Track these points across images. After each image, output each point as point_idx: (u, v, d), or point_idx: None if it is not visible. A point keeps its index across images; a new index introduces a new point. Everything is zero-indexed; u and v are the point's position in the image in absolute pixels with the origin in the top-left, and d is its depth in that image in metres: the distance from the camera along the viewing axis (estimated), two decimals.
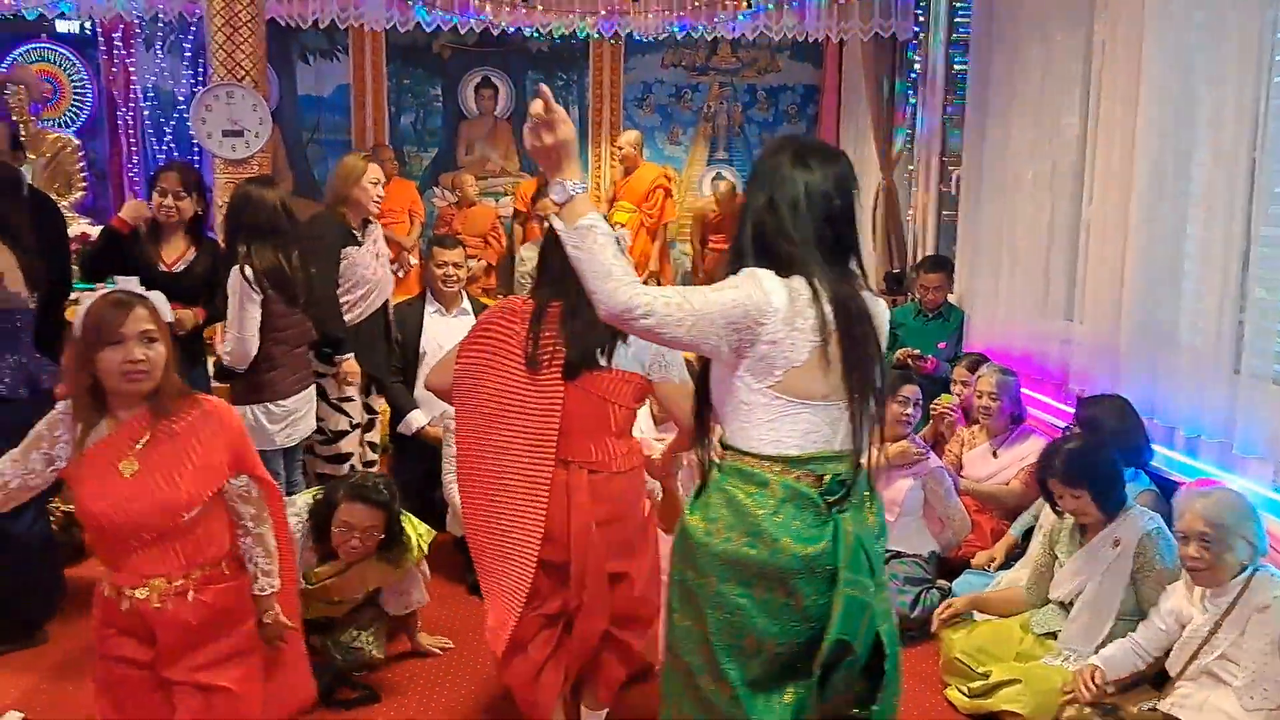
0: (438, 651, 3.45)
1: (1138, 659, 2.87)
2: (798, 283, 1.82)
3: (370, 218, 4.09)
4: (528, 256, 5.22)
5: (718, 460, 1.93)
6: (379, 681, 3.29)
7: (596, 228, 1.76)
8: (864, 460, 1.91)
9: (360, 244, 3.99)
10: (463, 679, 3.35)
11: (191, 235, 3.86)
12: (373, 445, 4.32)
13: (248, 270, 3.44)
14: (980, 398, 4.24)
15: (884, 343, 1.96)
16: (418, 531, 3.29)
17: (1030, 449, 4.04)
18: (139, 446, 2.15)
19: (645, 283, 5.42)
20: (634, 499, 2.72)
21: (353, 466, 4.09)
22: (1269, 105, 3.20)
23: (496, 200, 8.25)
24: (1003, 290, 5.02)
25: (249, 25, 4.84)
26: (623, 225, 7.53)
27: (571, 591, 2.63)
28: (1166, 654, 2.84)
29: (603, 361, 2.57)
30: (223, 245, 3.74)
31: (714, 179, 8.43)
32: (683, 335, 1.78)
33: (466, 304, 4.57)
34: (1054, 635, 3.18)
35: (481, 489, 2.63)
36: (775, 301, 1.79)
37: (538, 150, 1.83)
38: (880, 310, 1.96)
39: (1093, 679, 2.82)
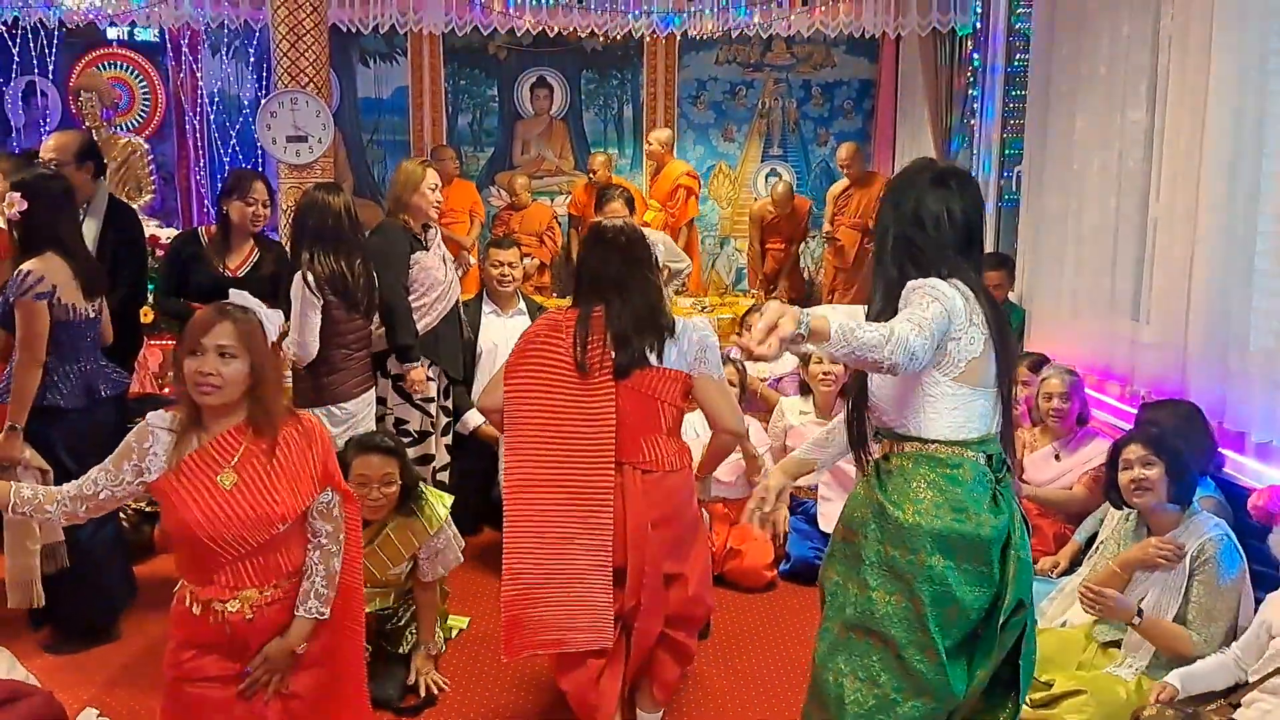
0: (434, 690, 3.22)
1: (1239, 672, 2.75)
2: (961, 286, 2.06)
3: (430, 222, 4.15)
4: None
5: (891, 453, 2.16)
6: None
7: (840, 325, 1.80)
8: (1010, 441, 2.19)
9: (426, 249, 4.04)
10: (512, 681, 3.39)
11: (256, 239, 3.96)
12: (449, 448, 4.34)
13: (309, 276, 3.52)
14: (1048, 400, 4.16)
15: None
16: (438, 497, 3.26)
17: (1095, 452, 3.96)
18: (236, 459, 2.16)
19: (667, 283, 5.36)
20: (686, 498, 2.75)
21: (434, 469, 4.16)
22: None
23: (552, 199, 8.31)
24: (1066, 288, 4.93)
25: (312, 33, 4.93)
26: (647, 224, 7.54)
27: (628, 594, 2.66)
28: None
29: (653, 360, 2.65)
30: (288, 249, 3.82)
31: (768, 176, 8.39)
32: (926, 359, 1.96)
33: (522, 304, 4.62)
34: (1117, 644, 3.13)
35: (539, 506, 2.64)
36: (957, 304, 2.01)
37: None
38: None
39: (1163, 698, 2.73)
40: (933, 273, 2.06)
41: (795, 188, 7.79)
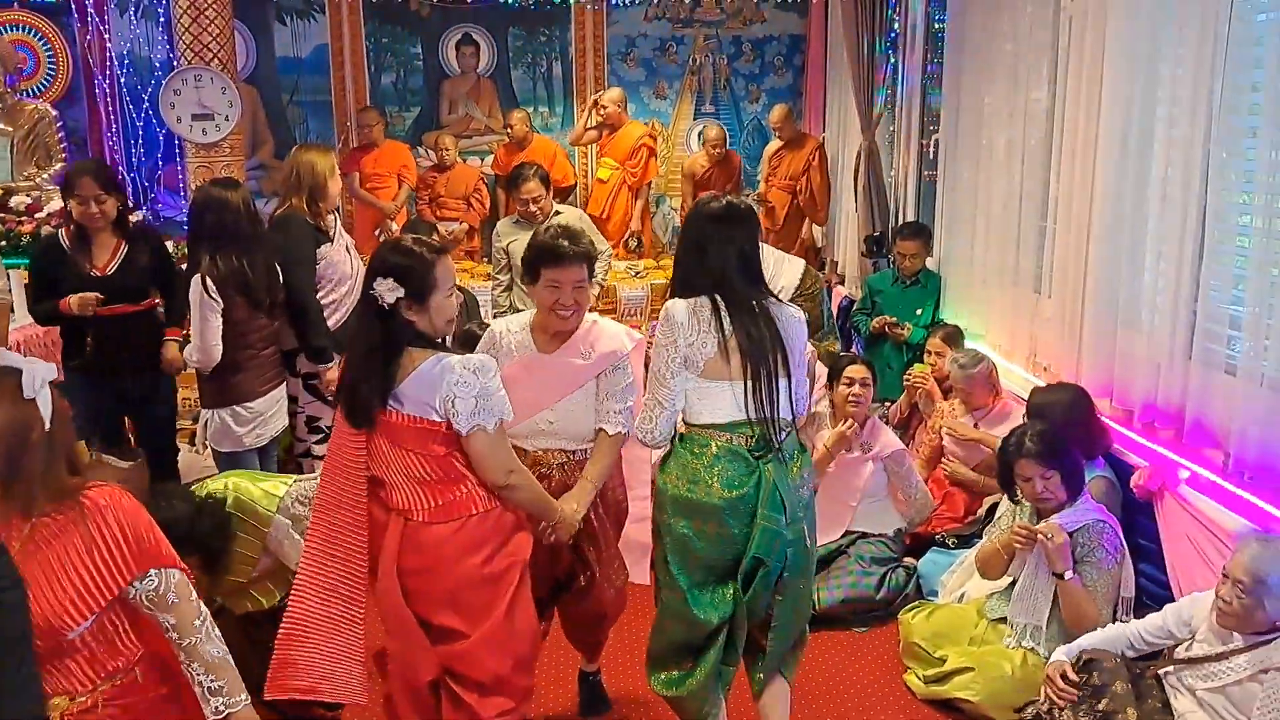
0: None
1: (1129, 648, 2.84)
2: (701, 300, 2.56)
3: (334, 208, 4.07)
4: (504, 232, 5.21)
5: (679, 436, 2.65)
6: None
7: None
8: (788, 426, 2.61)
9: (331, 240, 3.97)
10: None
11: (120, 231, 3.80)
12: None
13: (207, 280, 3.47)
14: (951, 364, 4.33)
15: (796, 336, 2.62)
16: (265, 493, 2.94)
17: (1011, 423, 4.09)
18: (15, 550, 1.79)
19: (627, 242, 5.44)
20: (461, 550, 2.45)
21: None
22: (1224, 87, 3.18)
23: (482, 159, 8.20)
24: (977, 259, 5.04)
25: (214, 6, 4.79)
26: (603, 182, 7.52)
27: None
28: (1151, 655, 2.84)
29: (378, 404, 2.40)
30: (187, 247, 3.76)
31: (700, 134, 8.37)
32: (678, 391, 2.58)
33: None
34: (1006, 621, 3.28)
35: (312, 553, 2.50)
36: (681, 319, 2.55)
37: None
38: (792, 313, 2.66)
39: (1063, 677, 2.77)
40: (693, 291, 2.58)
41: (727, 144, 7.77)
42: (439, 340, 2.46)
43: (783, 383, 2.56)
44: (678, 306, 2.56)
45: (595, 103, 7.55)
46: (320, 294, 3.89)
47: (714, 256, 2.57)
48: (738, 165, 7.65)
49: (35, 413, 1.83)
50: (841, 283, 7.04)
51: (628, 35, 8.28)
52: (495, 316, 5.17)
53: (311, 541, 2.50)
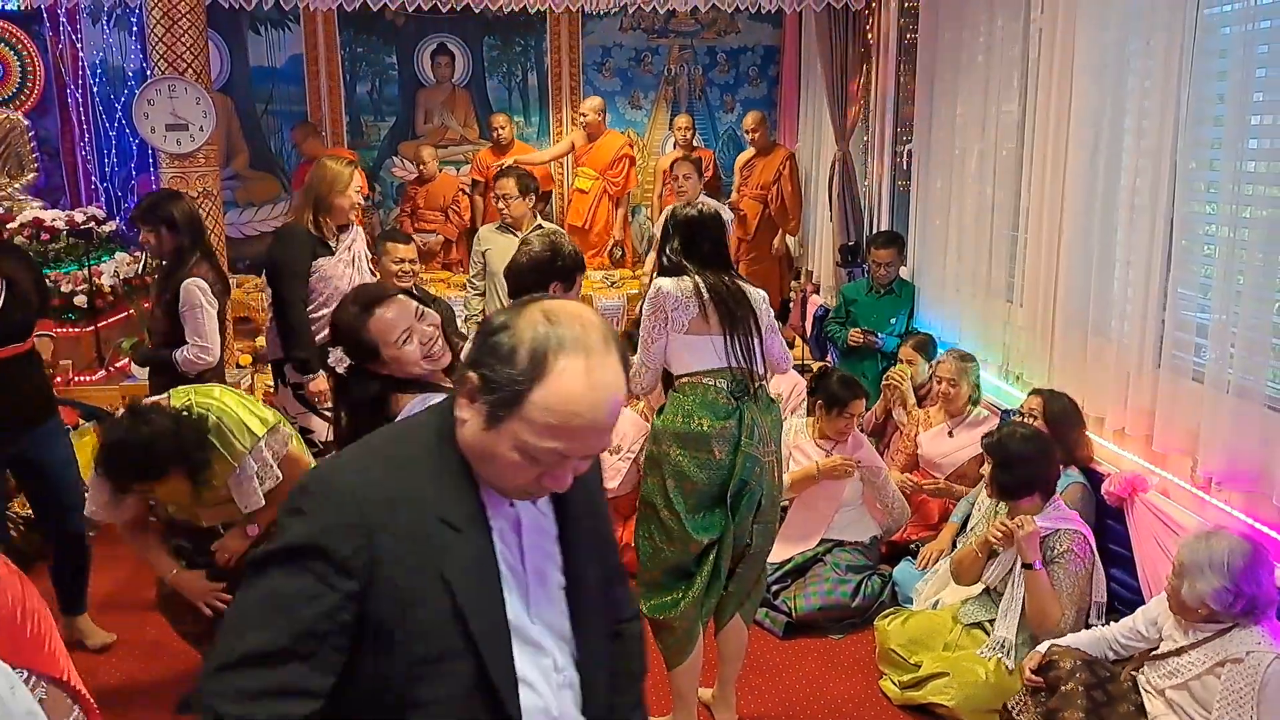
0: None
1: (1109, 651, 2.90)
2: (684, 277, 3.03)
3: (349, 222, 4.00)
4: (484, 238, 5.21)
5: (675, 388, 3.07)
6: None
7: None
8: (760, 377, 3.08)
9: (333, 253, 3.90)
10: None
11: None
12: None
13: (202, 283, 3.55)
14: (939, 383, 4.32)
15: (761, 307, 3.09)
16: (245, 429, 2.88)
17: (987, 430, 4.13)
18: None
19: (611, 252, 5.56)
20: None
21: None
22: (1190, 98, 3.25)
23: (457, 169, 8.21)
24: (950, 268, 5.09)
25: (188, 16, 4.76)
26: (583, 192, 7.54)
27: None
28: (1125, 659, 2.89)
29: None
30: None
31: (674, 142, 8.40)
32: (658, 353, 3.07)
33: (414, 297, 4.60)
34: (981, 626, 3.31)
35: None
36: (667, 288, 3.01)
37: None
38: (757, 291, 3.12)
39: (1032, 665, 2.87)
40: (676, 273, 3.06)
41: (694, 129, 7.78)
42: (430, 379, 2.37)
43: (755, 341, 3.01)
44: (666, 282, 3.02)
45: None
46: (310, 307, 3.85)
47: (692, 246, 3.05)
48: (709, 161, 7.67)
49: None
50: (817, 292, 7.09)
51: (603, 45, 8.32)
52: (467, 322, 5.17)
53: None
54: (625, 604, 1.58)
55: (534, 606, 1.36)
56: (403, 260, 4.39)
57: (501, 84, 8.30)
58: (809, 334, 6.67)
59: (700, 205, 3.26)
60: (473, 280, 5.24)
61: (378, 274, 4.23)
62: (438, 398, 2.24)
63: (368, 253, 4.19)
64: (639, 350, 3.06)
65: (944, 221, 5.15)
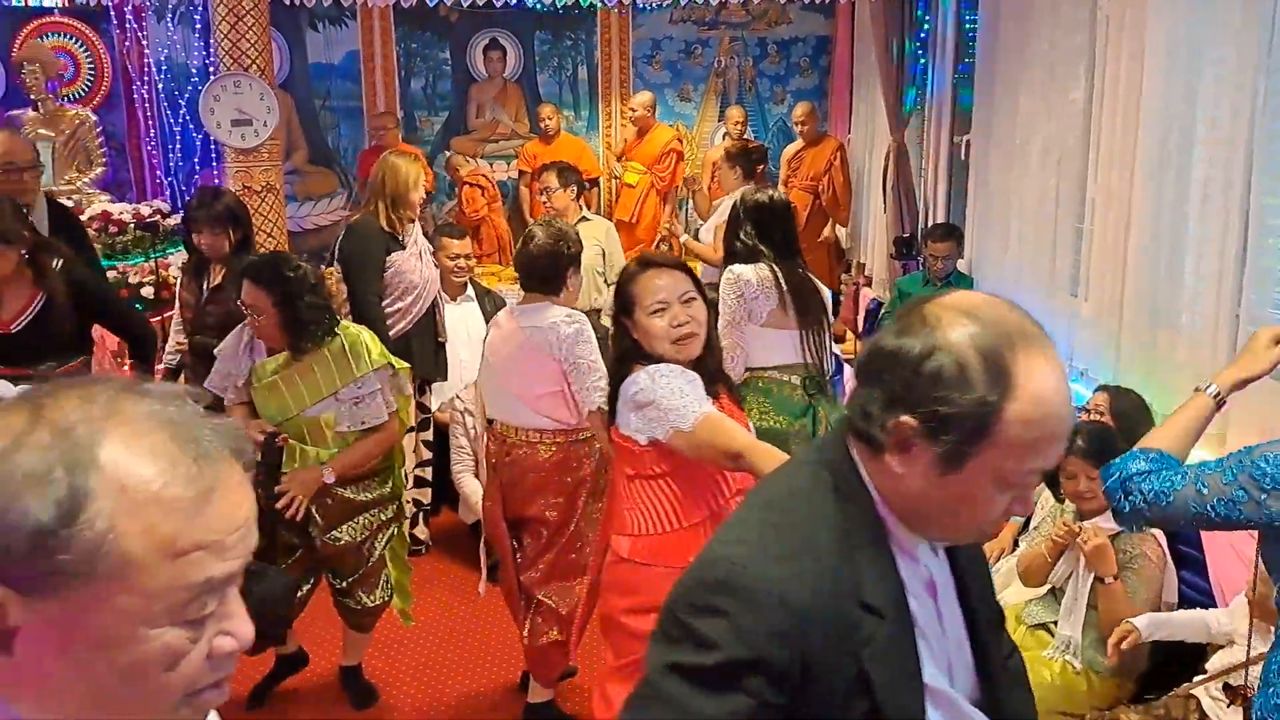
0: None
1: (1207, 634, 2.83)
2: (761, 265, 3.12)
3: (415, 217, 4.07)
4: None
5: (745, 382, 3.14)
6: (394, 669, 3.45)
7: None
8: (827, 371, 3.18)
9: (404, 247, 3.96)
10: (470, 669, 3.51)
11: (36, 278, 3.25)
12: (428, 444, 4.33)
13: None
14: None
15: (827, 304, 3.26)
16: (379, 352, 3.03)
17: None
18: None
19: (657, 247, 5.66)
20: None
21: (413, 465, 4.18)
22: (1269, 86, 3.18)
23: (507, 163, 8.27)
24: (1010, 261, 5.02)
25: (252, 13, 4.85)
26: (631, 186, 7.55)
27: None
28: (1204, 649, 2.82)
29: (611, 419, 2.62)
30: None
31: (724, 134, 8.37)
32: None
33: (470, 290, 4.67)
34: (1045, 627, 3.27)
35: None
36: (746, 275, 3.07)
37: None
38: (821, 286, 3.30)
39: (1126, 645, 2.77)
40: (746, 260, 3.15)
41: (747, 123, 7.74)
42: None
43: (827, 336, 3.08)
44: (744, 269, 3.04)
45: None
46: (385, 302, 3.91)
47: (766, 232, 3.09)
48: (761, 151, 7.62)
49: None
50: (869, 285, 7.04)
51: (653, 38, 8.32)
52: None
53: None
54: (1007, 640, 1.39)
55: (956, 672, 1.17)
56: (458, 255, 4.45)
57: (552, 78, 8.33)
58: (861, 328, 6.63)
59: (770, 191, 3.31)
60: None
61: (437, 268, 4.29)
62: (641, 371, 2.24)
63: (428, 245, 4.25)
64: (726, 334, 3.01)
65: (1004, 213, 5.08)
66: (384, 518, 3.13)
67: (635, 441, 2.24)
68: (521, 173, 7.79)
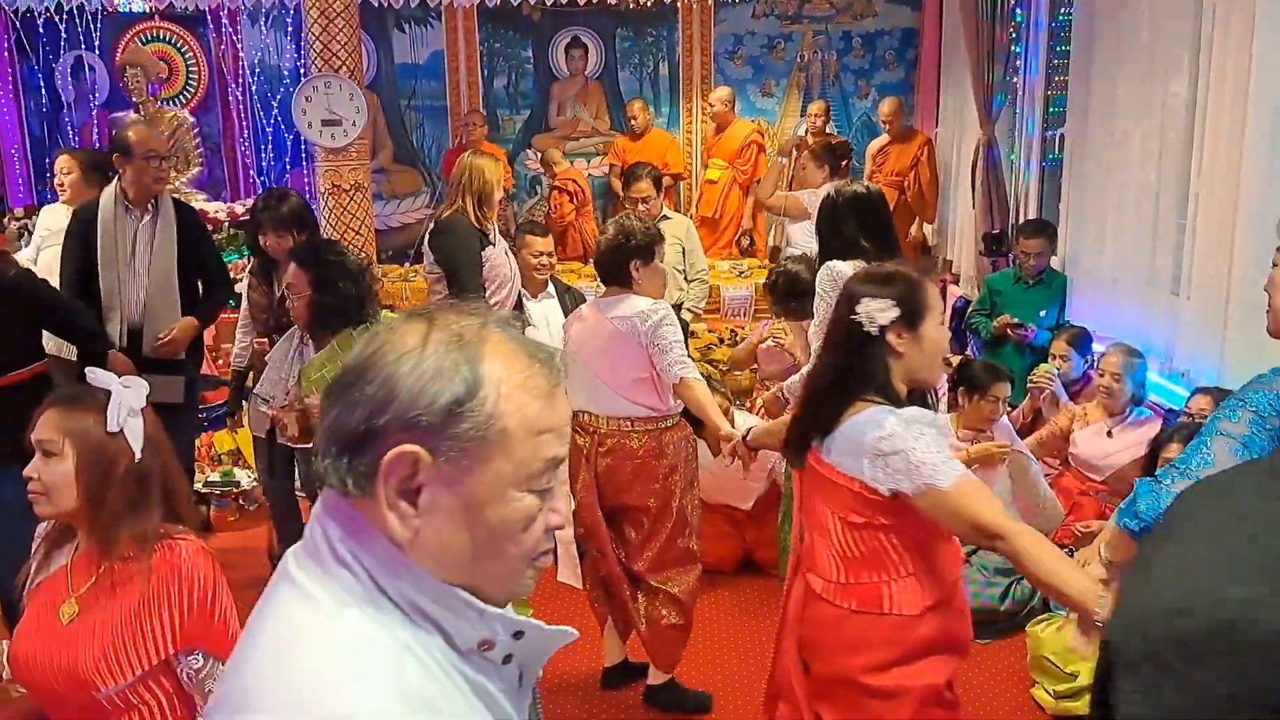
0: None
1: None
2: (860, 262, 2.89)
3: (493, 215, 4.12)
4: (608, 227, 5.24)
5: None
6: None
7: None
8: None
9: (493, 244, 4.02)
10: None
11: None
12: None
13: None
14: (1102, 376, 4.11)
15: None
16: None
17: (1149, 433, 3.91)
18: (85, 588, 1.69)
19: (739, 241, 5.59)
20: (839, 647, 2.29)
21: None
22: None
23: (588, 161, 8.30)
24: (1107, 258, 4.85)
25: (343, 15, 4.95)
26: (713, 182, 7.51)
27: None
28: None
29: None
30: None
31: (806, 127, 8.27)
32: None
33: (551, 288, 4.69)
34: None
35: None
36: (847, 273, 2.79)
37: None
38: None
39: None
40: (844, 256, 3.02)
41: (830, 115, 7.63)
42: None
43: None
44: (844, 266, 2.89)
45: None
46: (485, 294, 3.96)
47: (867, 227, 2.99)
48: (844, 146, 7.51)
49: (120, 444, 1.68)
50: (955, 282, 6.87)
51: (735, 33, 8.25)
52: None
53: None
54: None
55: None
56: (541, 253, 4.48)
57: (633, 75, 8.33)
58: (948, 325, 6.48)
59: (865, 184, 3.22)
60: None
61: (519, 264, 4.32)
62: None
63: (505, 244, 4.31)
64: (820, 332, 2.84)
65: (1100, 208, 4.91)
66: None
67: (874, 490, 1.98)
68: (611, 166, 7.82)
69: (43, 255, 4.34)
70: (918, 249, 7.30)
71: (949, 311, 6.47)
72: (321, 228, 5.49)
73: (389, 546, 0.89)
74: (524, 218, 7.99)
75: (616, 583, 3.14)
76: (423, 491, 0.89)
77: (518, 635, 0.93)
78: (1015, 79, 6.05)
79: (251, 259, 4.05)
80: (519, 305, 4.21)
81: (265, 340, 3.85)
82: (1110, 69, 4.78)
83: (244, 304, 3.98)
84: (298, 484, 3.84)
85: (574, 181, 7.60)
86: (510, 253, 4.17)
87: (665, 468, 3.07)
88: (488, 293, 3.98)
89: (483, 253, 3.96)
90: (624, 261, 3.05)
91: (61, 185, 4.58)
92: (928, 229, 7.40)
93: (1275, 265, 2.03)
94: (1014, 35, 5.98)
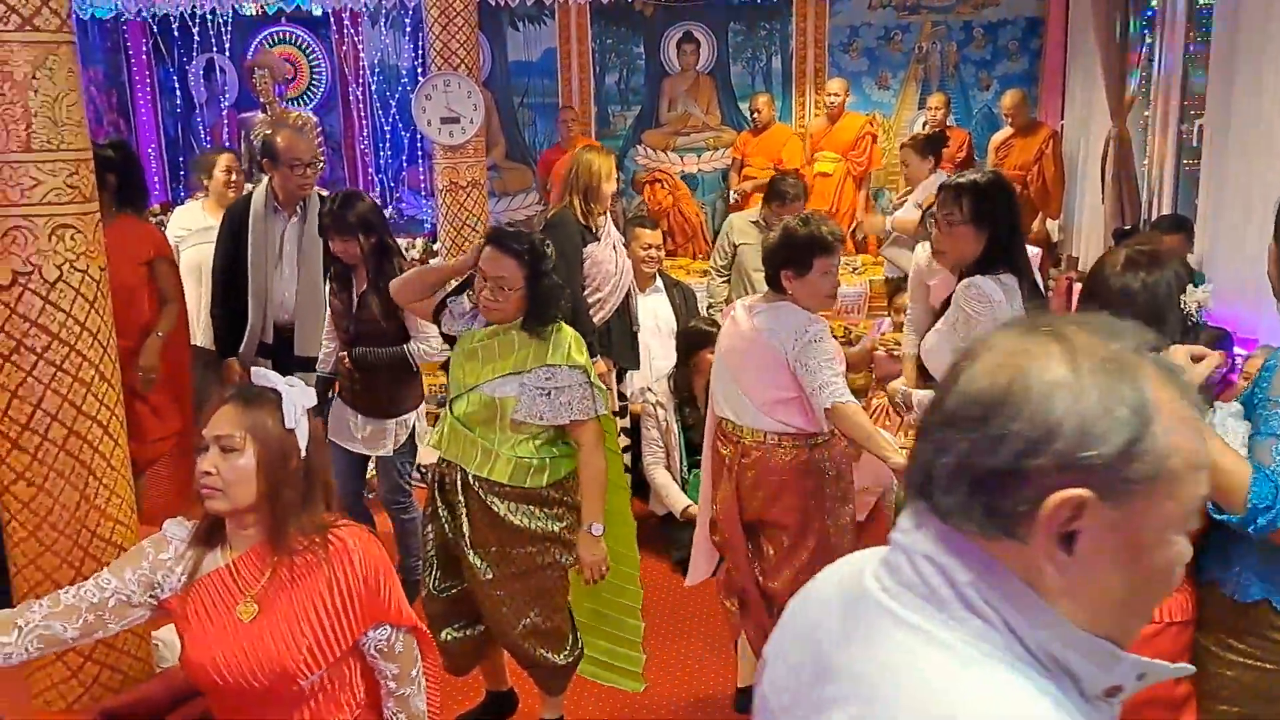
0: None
1: None
2: (1004, 277, 2.65)
3: (607, 209, 4.13)
4: (740, 228, 5.16)
5: None
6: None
7: None
8: None
9: (598, 239, 4.03)
10: (669, 666, 3.51)
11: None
12: (625, 431, 4.37)
13: None
14: (1244, 380, 3.90)
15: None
16: (580, 347, 2.74)
17: None
18: (259, 587, 1.73)
19: (853, 234, 5.40)
20: None
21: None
22: None
23: (699, 155, 8.27)
24: (1249, 256, 4.57)
25: (462, 15, 5.05)
26: (826, 175, 7.38)
27: None
28: None
29: None
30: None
31: (925, 125, 8.06)
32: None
33: (659, 282, 4.70)
34: None
35: None
36: (995, 295, 2.62)
37: None
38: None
39: None
40: (989, 270, 2.65)
41: (950, 107, 7.43)
42: None
43: None
44: (988, 284, 2.60)
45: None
46: (585, 293, 3.98)
47: (1008, 232, 2.66)
48: (963, 141, 7.30)
49: (294, 441, 1.74)
50: (1081, 280, 6.60)
51: (850, 25, 8.11)
52: (711, 309, 5.17)
53: None
54: None
55: None
56: (649, 245, 4.49)
57: (745, 69, 8.27)
58: None
59: (981, 173, 2.90)
60: (720, 267, 5.22)
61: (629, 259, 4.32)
62: None
63: (621, 237, 4.30)
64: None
65: (1243, 204, 4.64)
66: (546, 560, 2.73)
67: None
68: (733, 160, 7.79)
69: (185, 255, 4.50)
70: (1040, 245, 7.04)
71: (1072, 310, 6.23)
72: (439, 224, 5.63)
73: (1030, 594, 0.83)
74: (632, 213, 8.03)
75: (754, 601, 2.97)
76: (1080, 536, 0.82)
77: (1140, 677, 0.87)
78: (1148, 69, 5.77)
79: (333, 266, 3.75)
80: (628, 299, 4.21)
81: (339, 350, 3.64)
82: (1255, 56, 4.51)
83: (328, 311, 3.77)
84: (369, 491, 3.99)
85: (661, 169, 7.64)
86: (620, 248, 4.15)
87: (811, 486, 2.85)
88: (586, 290, 3.99)
89: (585, 249, 3.97)
90: (777, 267, 2.82)
91: (229, 184, 4.82)
92: (1051, 224, 7.13)
93: None
94: (1147, 23, 5.71)
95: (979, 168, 6.31)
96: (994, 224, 2.67)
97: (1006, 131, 6.98)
